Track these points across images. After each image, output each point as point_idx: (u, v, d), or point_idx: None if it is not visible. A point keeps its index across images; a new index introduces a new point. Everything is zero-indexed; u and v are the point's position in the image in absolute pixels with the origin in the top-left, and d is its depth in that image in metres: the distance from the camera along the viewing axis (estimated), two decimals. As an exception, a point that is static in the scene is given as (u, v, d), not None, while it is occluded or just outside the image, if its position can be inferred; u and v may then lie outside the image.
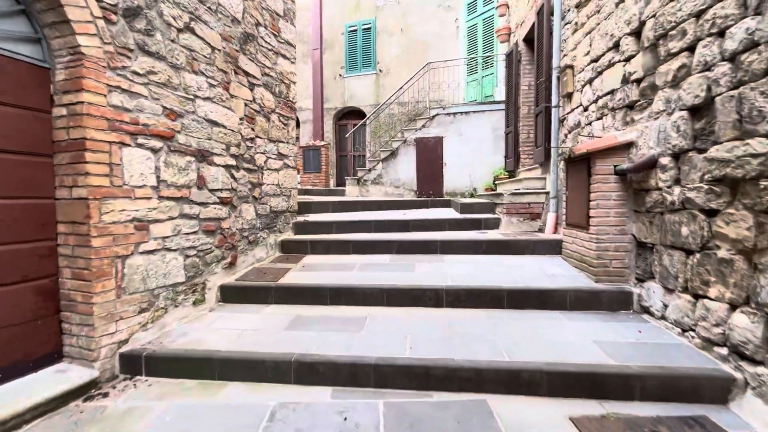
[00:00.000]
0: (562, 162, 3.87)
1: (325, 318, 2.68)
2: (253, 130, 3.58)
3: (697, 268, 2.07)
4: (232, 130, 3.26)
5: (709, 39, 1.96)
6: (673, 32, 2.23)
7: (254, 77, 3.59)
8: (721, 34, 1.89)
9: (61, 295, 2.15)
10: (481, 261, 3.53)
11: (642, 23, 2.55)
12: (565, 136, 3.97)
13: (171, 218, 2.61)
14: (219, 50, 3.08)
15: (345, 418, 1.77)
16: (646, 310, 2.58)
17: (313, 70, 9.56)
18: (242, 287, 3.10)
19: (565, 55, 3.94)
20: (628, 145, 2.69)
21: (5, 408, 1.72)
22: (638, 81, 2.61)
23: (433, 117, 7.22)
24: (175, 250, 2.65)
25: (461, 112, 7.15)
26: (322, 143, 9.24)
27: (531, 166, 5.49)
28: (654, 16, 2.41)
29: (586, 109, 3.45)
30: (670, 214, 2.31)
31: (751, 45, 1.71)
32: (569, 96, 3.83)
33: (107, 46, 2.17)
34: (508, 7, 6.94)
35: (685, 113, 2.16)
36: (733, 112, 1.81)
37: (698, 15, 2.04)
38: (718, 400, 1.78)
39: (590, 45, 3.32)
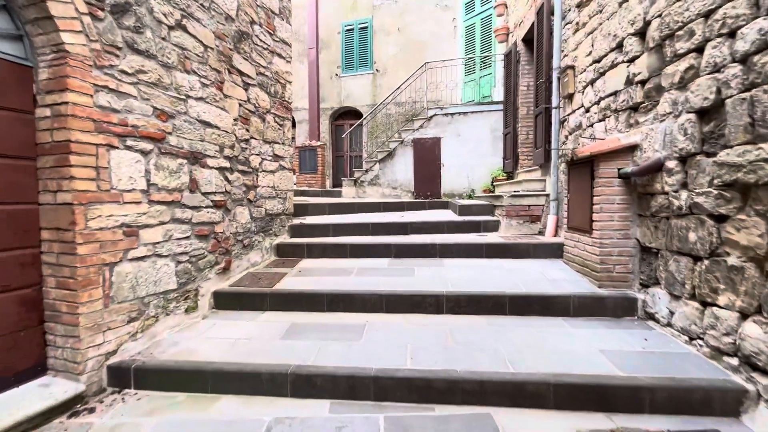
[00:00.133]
0: (563, 164, 3.81)
1: (322, 325, 2.60)
2: (247, 131, 3.48)
3: (706, 275, 2.02)
4: (226, 131, 3.17)
5: (718, 40, 1.91)
6: (681, 33, 2.17)
7: (249, 77, 3.49)
8: (731, 34, 1.83)
9: (44, 305, 2.04)
10: (482, 265, 3.46)
11: (647, 23, 2.49)
12: (566, 137, 3.92)
13: (162, 223, 2.51)
14: (212, 49, 2.98)
15: (344, 435, 1.69)
16: (651, 317, 2.52)
17: (309, 70, 9.46)
18: (236, 293, 3.00)
19: (565, 56, 3.88)
20: (633, 148, 2.63)
21: (-17, 427, 1.63)
22: (643, 82, 2.55)
23: (431, 117, 7.15)
24: (166, 256, 2.55)
25: (459, 113, 7.08)
26: (318, 144, 9.15)
27: (530, 168, 5.43)
28: (660, 15, 2.36)
29: (587, 111, 3.40)
30: (676, 219, 2.25)
31: (764, 46, 1.65)
32: (570, 97, 3.78)
33: (93, 44, 2.07)
34: (507, 7, 6.88)
35: (692, 116, 2.10)
36: (745, 115, 1.75)
37: (707, 15, 1.98)
38: (729, 413, 1.72)
39: (592, 45, 3.27)
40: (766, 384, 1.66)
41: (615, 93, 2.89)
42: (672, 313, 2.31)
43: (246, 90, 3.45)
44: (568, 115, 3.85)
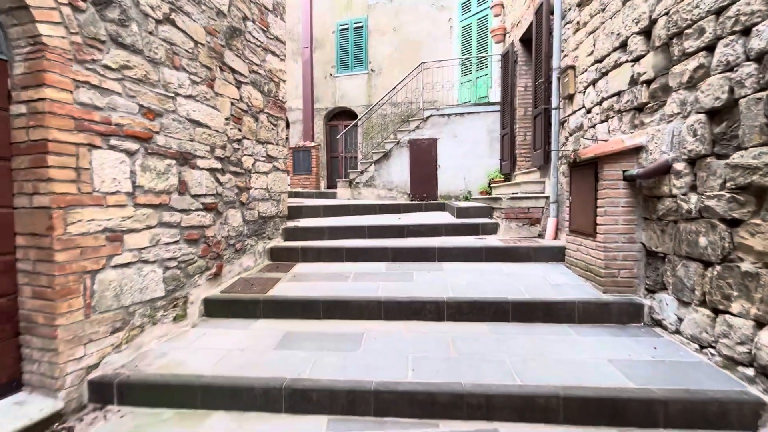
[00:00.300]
0: (564, 166, 3.75)
1: (318, 334, 2.48)
2: (240, 130, 3.35)
3: (717, 281, 1.95)
4: (217, 131, 3.04)
5: (731, 37, 1.84)
6: (689, 30, 2.10)
7: (241, 74, 3.37)
8: (745, 32, 1.77)
9: (20, 316, 1.90)
10: (482, 269, 3.37)
11: (653, 21, 2.43)
12: (566, 139, 3.85)
13: (148, 227, 2.38)
14: (203, 45, 2.85)
15: (343, 455, 1.58)
16: (658, 324, 2.45)
17: (303, 69, 9.32)
18: (228, 300, 2.87)
19: (565, 56, 3.82)
20: (638, 150, 2.57)
21: (-53, 452, 1.49)
22: (648, 82, 2.48)
23: (427, 118, 7.06)
24: (153, 263, 2.42)
25: (456, 114, 7.01)
26: (313, 144, 9.01)
27: (528, 169, 5.37)
28: (667, 13, 2.29)
29: (589, 112, 3.33)
30: (685, 223, 2.18)
31: (782, 43, 1.59)
32: (570, 97, 3.71)
33: (74, 37, 1.94)
34: (503, 7, 6.83)
35: (702, 116, 2.03)
36: (761, 116, 1.68)
37: (718, 12, 1.91)
38: (747, 426, 1.65)
39: (594, 45, 3.20)
40: (785, 396, 1.59)
41: (618, 93, 2.82)
42: (681, 320, 2.24)
43: (238, 88, 3.33)
44: (569, 116, 3.78)
